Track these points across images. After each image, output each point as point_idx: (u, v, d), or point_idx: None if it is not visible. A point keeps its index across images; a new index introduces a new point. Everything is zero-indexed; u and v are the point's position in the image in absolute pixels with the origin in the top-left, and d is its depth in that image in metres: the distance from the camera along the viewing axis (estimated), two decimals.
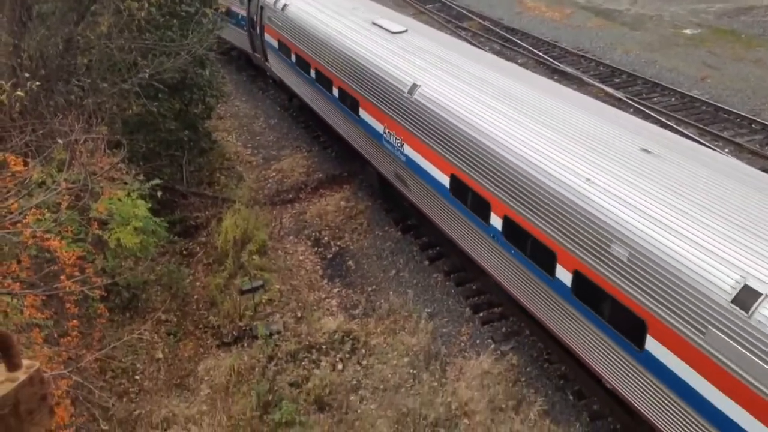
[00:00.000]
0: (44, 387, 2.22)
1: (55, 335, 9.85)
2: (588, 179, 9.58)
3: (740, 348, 7.32)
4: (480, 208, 11.74)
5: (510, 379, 11.81)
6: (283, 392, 11.92)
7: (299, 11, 19.52)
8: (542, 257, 10.23)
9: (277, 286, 14.76)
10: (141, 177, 13.11)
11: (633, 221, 8.73)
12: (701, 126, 19.90)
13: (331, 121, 18.32)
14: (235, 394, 12.02)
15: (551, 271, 10.08)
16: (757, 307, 7.11)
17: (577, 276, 9.56)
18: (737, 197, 8.66)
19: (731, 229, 7.99)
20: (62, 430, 8.68)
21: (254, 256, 15.38)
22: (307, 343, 13.07)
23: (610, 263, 8.95)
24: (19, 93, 10.58)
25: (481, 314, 13.43)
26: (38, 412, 2.19)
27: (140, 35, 14.79)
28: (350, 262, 15.56)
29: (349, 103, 16.61)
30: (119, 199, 12.15)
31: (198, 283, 15.15)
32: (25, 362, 2.20)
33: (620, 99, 21.76)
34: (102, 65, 14.58)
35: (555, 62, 25.34)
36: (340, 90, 16.95)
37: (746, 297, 7.27)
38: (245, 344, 13.29)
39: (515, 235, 10.89)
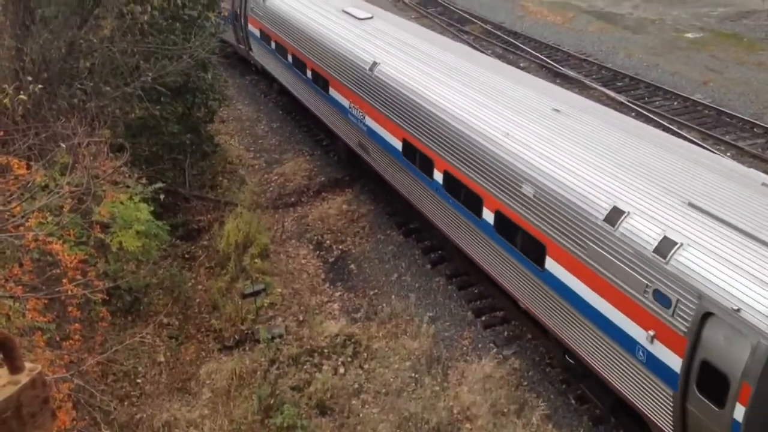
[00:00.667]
0: (46, 390, 2.22)
1: (57, 338, 9.86)
2: (507, 134, 11.57)
3: (608, 255, 9.25)
4: (425, 165, 13.54)
5: (512, 383, 11.79)
6: (284, 396, 11.90)
7: (279, 2, 21.22)
8: (472, 203, 12.18)
9: (279, 290, 14.75)
10: (143, 180, 13.11)
11: (538, 165, 10.67)
12: (703, 130, 19.89)
13: (306, 101, 19.96)
14: (237, 398, 12.00)
15: (479, 213, 12.01)
16: (621, 223, 9.13)
17: (498, 215, 11.52)
18: (622, 145, 10.70)
19: (611, 168, 9.99)
20: None
21: (256, 260, 15.38)
22: (308, 346, 13.06)
23: (520, 201, 10.86)
24: (22, 96, 10.62)
25: (482, 318, 13.42)
26: (40, 415, 2.19)
27: (143, 39, 14.82)
28: (352, 266, 15.56)
29: (320, 83, 18.25)
30: (122, 203, 12.16)
31: (200, 287, 15.15)
32: (28, 365, 2.20)
33: (622, 103, 21.76)
34: (105, 69, 14.60)
35: (557, 66, 25.35)
36: (313, 72, 18.63)
37: (614, 216, 9.27)
38: (247, 348, 13.27)
39: (452, 186, 12.78)
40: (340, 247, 16.26)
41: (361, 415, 11.60)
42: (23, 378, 2.16)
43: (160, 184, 13.62)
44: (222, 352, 13.31)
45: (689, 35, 28.71)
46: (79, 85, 14.06)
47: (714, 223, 8.43)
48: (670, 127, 19.60)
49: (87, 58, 14.72)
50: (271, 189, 19.10)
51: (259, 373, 12.50)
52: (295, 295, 14.70)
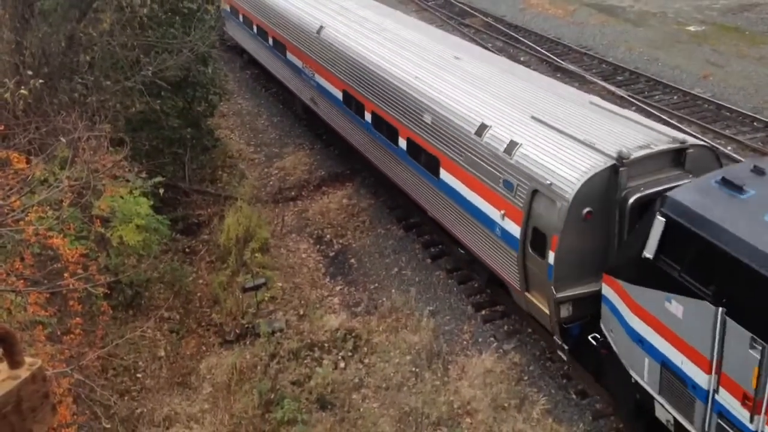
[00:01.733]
0: (46, 384, 2.22)
1: (58, 333, 9.86)
2: (416, 77, 14.40)
3: (477, 159, 12.11)
4: (359, 109, 16.34)
5: (512, 377, 11.80)
6: (285, 390, 11.92)
7: None
8: (391, 134, 14.98)
9: (280, 284, 14.76)
10: (143, 174, 13.11)
11: (435, 98, 13.53)
12: (703, 124, 19.84)
13: (271, 67, 22.77)
14: (237, 393, 12.02)
15: (396, 142, 14.79)
16: (485, 134, 12.05)
17: (409, 141, 14.30)
18: (497, 81, 13.73)
19: (484, 97, 12.97)
20: (64, 428, 8.70)
21: (257, 254, 15.38)
22: (309, 341, 13.07)
23: (423, 128, 13.72)
24: (23, 91, 10.60)
25: (483, 312, 13.42)
26: (40, 409, 2.19)
27: (142, 32, 14.79)
28: (352, 260, 15.56)
29: (279, 48, 21.16)
30: (122, 197, 12.16)
31: (200, 281, 15.16)
32: (28, 360, 2.20)
33: (622, 97, 21.72)
34: (105, 63, 14.58)
35: (558, 60, 25.30)
36: (274, 39, 21.65)
37: (481, 129, 12.19)
38: (247, 342, 13.29)
39: (378, 124, 15.55)
40: (341, 241, 16.26)
41: (361, 410, 11.62)
42: (23, 373, 2.16)
43: (160, 179, 13.62)
44: (222, 346, 13.32)
45: (691, 28, 28.63)
46: (79, 79, 14.03)
47: (545, 128, 11.40)
48: (670, 120, 19.57)
49: (87, 51, 14.69)
50: (271, 183, 19.09)
51: (259, 367, 12.52)
52: (295, 289, 14.71)
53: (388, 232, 16.22)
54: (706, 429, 8.32)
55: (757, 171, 8.51)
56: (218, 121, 21.69)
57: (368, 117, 15.80)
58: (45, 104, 12.72)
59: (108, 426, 10.27)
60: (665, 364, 8.78)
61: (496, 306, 13.55)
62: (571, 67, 24.50)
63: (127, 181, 12.32)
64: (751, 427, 7.55)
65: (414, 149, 14.08)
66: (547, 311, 10.82)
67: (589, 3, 32.92)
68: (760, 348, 7.29)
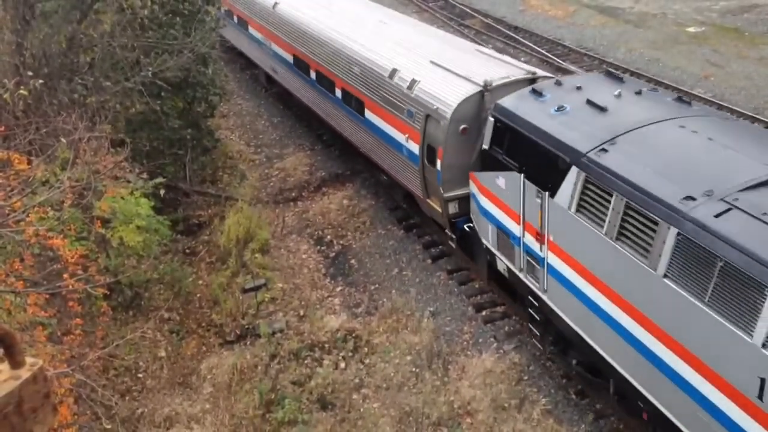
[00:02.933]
0: (47, 385, 2.22)
1: (58, 333, 9.87)
2: (349, 38, 17.06)
3: (389, 97, 14.70)
4: (306, 70, 19.04)
5: (513, 377, 11.80)
6: (285, 391, 11.93)
7: None
8: (330, 87, 17.60)
9: (280, 285, 14.77)
10: (144, 175, 13.11)
11: (362, 53, 16.19)
12: None
13: (234, 42, 25.50)
14: (238, 393, 12.02)
15: (333, 92, 17.48)
16: (393, 76, 14.69)
17: (343, 91, 16.92)
18: (410, 38, 16.74)
19: (398, 50, 15.75)
20: (65, 428, 8.70)
21: (257, 255, 15.39)
22: (309, 341, 13.08)
23: (353, 78, 16.30)
24: (23, 91, 10.61)
25: (483, 313, 13.43)
26: (41, 409, 2.19)
27: (143, 33, 14.80)
28: (353, 261, 15.57)
29: (244, 25, 23.80)
30: (122, 198, 12.17)
31: (201, 282, 15.16)
32: (29, 360, 2.20)
33: None
34: (105, 63, 14.59)
35: (558, 60, 25.30)
36: (239, 18, 24.20)
37: (392, 73, 14.80)
38: (248, 343, 13.29)
39: (321, 80, 18.16)
40: (341, 242, 16.27)
41: (362, 410, 11.62)
42: (24, 373, 2.16)
43: (160, 179, 13.62)
44: (223, 346, 13.33)
45: (691, 29, 28.63)
46: (79, 80, 14.04)
47: (438, 69, 14.15)
48: None
49: (87, 52, 14.71)
50: (271, 184, 19.10)
51: (260, 367, 12.52)
52: (295, 290, 14.71)
53: (389, 233, 16.22)
54: (522, 266, 11.44)
55: (557, 83, 11.71)
56: (218, 121, 21.69)
57: (313, 75, 18.66)
58: (45, 105, 12.73)
59: (109, 426, 10.28)
60: (499, 227, 11.94)
61: (496, 307, 13.56)
62: (572, 68, 24.51)
63: (128, 182, 12.33)
64: (540, 254, 10.80)
65: (346, 96, 16.93)
66: (440, 210, 13.74)
67: (589, 4, 32.93)
68: (541, 197, 10.36)
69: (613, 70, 14.07)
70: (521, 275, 11.54)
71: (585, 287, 9.75)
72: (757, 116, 20.24)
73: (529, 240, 10.97)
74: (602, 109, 10.23)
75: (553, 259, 10.43)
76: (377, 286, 14.64)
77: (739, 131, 10.08)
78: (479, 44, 24.95)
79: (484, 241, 12.57)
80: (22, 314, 8.80)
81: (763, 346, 7.01)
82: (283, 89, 22.29)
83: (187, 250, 16.22)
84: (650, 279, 8.38)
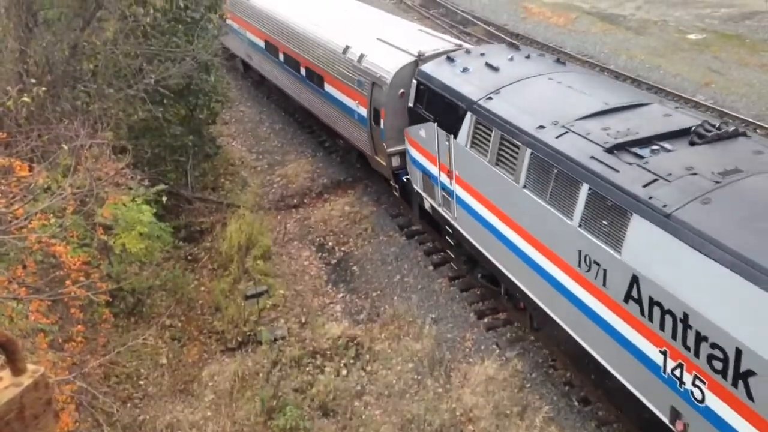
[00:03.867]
0: (49, 392, 2.22)
1: (60, 340, 9.86)
2: (315, 23, 19.14)
3: (343, 70, 16.90)
4: (275, 52, 21.22)
5: (515, 385, 11.77)
6: (287, 398, 11.90)
7: None
8: (296, 66, 19.79)
9: (282, 292, 14.76)
10: (146, 182, 13.13)
11: (325, 35, 18.25)
12: None
13: None
14: (240, 400, 12.00)
15: (299, 71, 19.68)
16: (346, 52, 16.81)
17: (307, 69, 19.08)
18: (364, 19, 19.38)
19: (353, 29, 18.05)
20: None
21: (258, 262, 15.39)
22: (311, 348, 13.06)
23: (313, 56, 18.54)
24: (26, 99, 10.64)
25: (485, 320, 13.40)
26: (43, 416, 2.19)
27: (145, 41, 14.85)
28: (354, 268, 15.56)
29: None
30: (124, 205, 12.18)
31: (202, 288, 15.16)
32: (30, 367, 2.20)
33: None
34: (108, 71, 14.63)
35: None
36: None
37: (346, 49, 16.73)
38: (249, 350, 13.28)
39: (288, 61, 20.31)
40: (343, 248, 16.27)
41: (363, 417, 11.60)
42: (26, 380, 2.16)
43: (162, 186, 13.64)
44: (224, 353, 13.31)
45: (691, 36, 28.67)
46: (82, 87, 14.09)
47: (383, 44, 16.41)
48: None
49: (90, 60, 14.75)
50: (273, 191, 19.11)
51: (261, 374, 12.51)
52: (297, 296, 14.71)
53: (390, 240, 16.22)
54: (440, 201, 13.86)
55: (467, 52, 14.20)
56: (220, 128, 21.73)
57: (281, 57, 20.82)
58: (48, 112, 12.76)
59: None
60: (424, 171, 14.34)
61: (498, 314, 13.54)
62: None
63: (130, 188, 12.34)
64: (451, 188, 13.14)
65: (310, 74, 19.02)
66: (385, 164, 16.11)
67: (591, 12, 33.00)
68: (449, 140, 12.69)
69: (513, 41, 16.97)
70: (440, 209, 14.05)
71: (480, 209, 12.23)
72: (759, 123, 20.24)
73: (444, 178, 13.46)
74: (495, 69, 12.79)
75: (459, 190, 12.91)
76: (379, 292, 14.63)
77: (594, 82, 12.75)
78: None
79: (415, 187, 15.10)
80: (24, 321, 8.80)
81: (579, 225, 9.41)
82: (258, 75, 24.69)
83: (189, 257, 16.23)
84: (516, 191, 10.78)
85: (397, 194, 16.69)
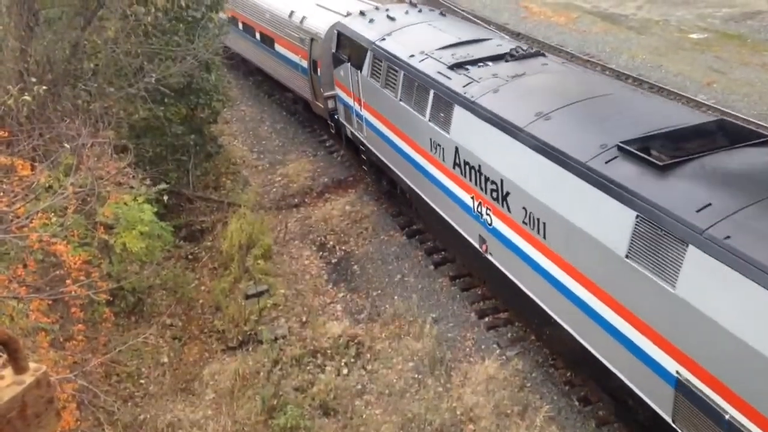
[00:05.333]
0: (51, 390, 2.23)
1: (61, 339, 9.87)
2: (292, 12, 20.70)
3: (288, 30, 20.26)
4: (252, 33, 23.68)
5: (515, 384, 11.77)
6: (287, 397, 11.91)
7: None
8: (252, 33, 23.40)
9: (282, 291, 14.76)
10: (147, 181, 13.13)
11: (270, 3, 21.87)
12: None
13: None
14: (240, 399, 12.01)
15: (255, 37, 23.21)
16: (292, 16, 20.05)
17: (261, 34, 22.62)
18: None
19: (307, 5, 20.34)
20: None
21: (259, 261, 15.39)
22: (312, 347, 13.06)
23: (265, 22, 22.00)
24: (26, 98, 10.63)
25: (486, 319, 13.41)
26: (45, 415, 2.20)
27: (147, 40, 14.84)
28: (355, 267, 15.56)
29: None
30: (125, 204, 12.18)
31: (203, 288, 15.17)
32: (32, 365, 2.21)
33: None
34: (109, 70, 14.63)
35: None
36: None
37: (290, 14, 20.15)
38: (250, 349, 13.28)
39: (246, 29, 23.84)
40: (343, 248, 16.27)
41: (364, 416, 11.60)
42: (28, 378, 2.17)
43: (163, 185, 13.62)
44: (225, 352, 13.32)
45: (693, 36, 28.65)
46: (83, 86, 14.08)
47: (321, 8, 19.80)
48: None
49: (91, 59, 14.75)
50: (274, 190, 19.12)
51: (262, 373, 12.51)
52: (298, 296, 14.71)
53: (391, 239, 16.22)
54: (355, 126, 17.21)
55: (377, 8, 17.64)
56: (221, 127, 21.73)
57: (258, 36, 23.36)
58: (49, 111, 12.76)
59: None
60: (345, 104, 17.58)
61: (499, 313, 13.54)
62: None
63: (131, 187, 12.35)
64: (361, 113, 16.54)
65: (263, 37, 22.52)
66: (323, 107, 19.09)
67: (592, 11, 32.99)
68: (358, 74, 16.00)
69: (415, 2, 19.04)
70: (356, 133, 17.41)
71: (379, 125, 15.70)
72: (760, 122, 20.22)
73: (356, 106, 16.77)
74: (392, 19, 16.33)
75: (366, 114, 16.31)
76: (379, 292, 14.63)
77: (457, 25, 16.67)
78: None
79: (341, 119, 18.39)
80: (24, 320, 8.80)
81: (429, 120, 13.13)
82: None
83: (190, 256, 16.23)
84: (395, 104, 14.46)
85: (332, 130, 19.72)
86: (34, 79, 11.93)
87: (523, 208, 10.49)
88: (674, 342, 8.13)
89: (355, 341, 13.13)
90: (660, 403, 8.62)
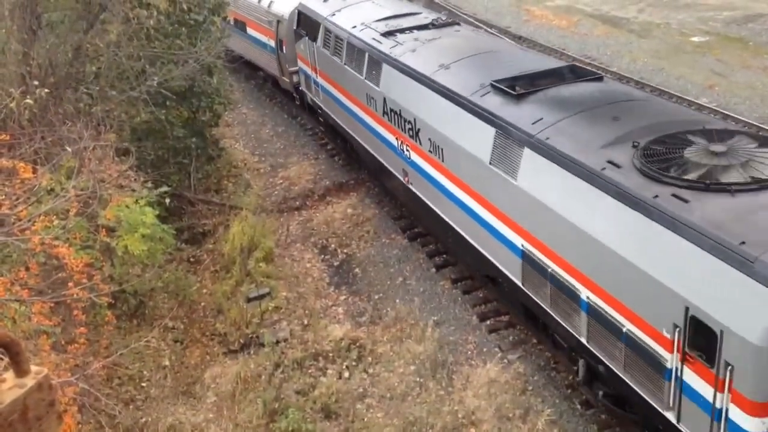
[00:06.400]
0: (52, 393, 2.22)
1: (63, 342, 9.87)
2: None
3: (259, 15, 22.96)
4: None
5: (517, 387, 11.75)
6: (289, 400, 11.90)
7: None
8: (242, 27, 24.57)
9: (284, 294, 14.76)
10: (149, 184, 13.14)
11: None
12: None
13: None
14: (242, 402, 12.00)
15: (245, 30, 24.37)
16: (261, 2, 22.80)
17: (235, 20, 24.58)
18: None
19: None
20: None
21: (261, 264, 15.39)
22: (313, 350, 13.05)
23: (242, 11, 23.99)
24: (29, 101, 10.65)
25: (487, 322, 13.39)
26: (46, 418, 2.20)
27: (149, 43, 14.87)
28: (357, 270, 15.56)
29: None
30: (127, 207, 12.18)
31: (205, 291, 15.16)
32: (34, 368, 2.20)
33: None
34: (111, 73, 14.66)
35: None
36: None
37: (267, 3, 22.36)
38: (252, 352, 13.27)
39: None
40: (345, 250, 16.26)
41: (365, 420, 11.59)
42: (29, 381, 2.16)
43: (165, 188, 13.63)
44: (227, 355, 13.31)
45: (695, 39, 28.65)
46: (85, 90, 14.10)
47: None
48: None
49: (93, 62, 14.78)
50: (276, 193, 19.12)
51: (263, 377, 12.50)
52: (299, 298, 14.70)
53: (393, 242, 16.22)
54: (313, 90, 20.02)
55: None
56: (223, 130, 21.76)
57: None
58: (51, 114, 12.77)
59: None
60: (305, 75, 20.46)
61: (501, 316, 13.52)
62: None
63: (133, 190, 12.35)
64: (317, 79, 19.43)
65: (236, 23, 24.62)
66: (288, 80, 21.91)
67: (593, 14, 33.01)
68: (314, 46, 18.78)
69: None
70: (314, 98, 20.18)
71: (330, 89, 18.63)
72: (762, 125, 20.21)
73: (313, 74, 19.63)
74: None
75: (320, 80, 19.25)
76: (381, 295, 14.62)
77: (399, 3, 19.43)
78: None
79: (303, 89, 21.11)
80: (26, 323, 8.81)
81: (365, 78, 15.84)
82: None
83: (192, 259, 16.24)
84: (342, 68, 17.20)
85: (297, 102, 22.68)
86: (36, 82, 11.95)
87: (429, 139, 13.34)
88: (519, 222, 10.90)
89: (357, 344, 13.12)
90: (514, 272, 11.37)
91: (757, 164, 8.72)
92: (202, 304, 14.74)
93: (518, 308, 12.39)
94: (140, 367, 12.65)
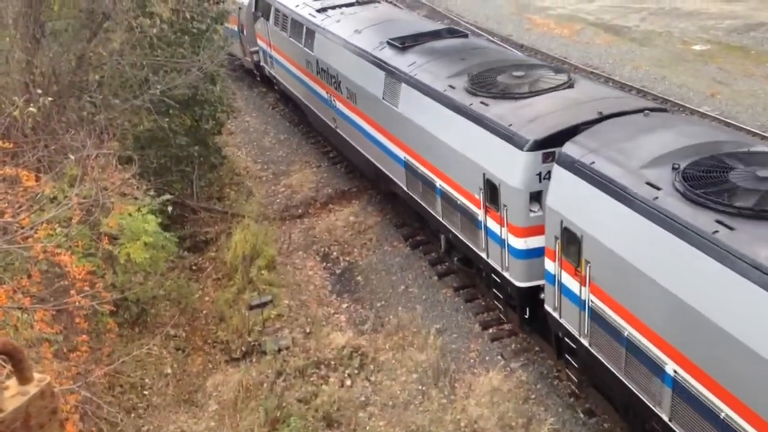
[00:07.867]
0: (55, 401, 2.23)
1: (65, 350, 9.86)
2: None
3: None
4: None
5: (520, 396, 11.72)
6: (291, 408, 11.87)
7: None
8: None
9: (286, 302, 14.75)
10: (152, 192, 13.16)
11: None
12: None
13: None
14: (243, 410, 11.97)
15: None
16: None
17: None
18: None
19: None
20: None
21: (263, 271, 15.39)
22: (315, 358, 13.03)
23: None
24: (32, 109, 10.69)
25: (490, 331, 13.36)
26: (48, 426, 2.20)
27: (152, 52, 14.92)
28: (359, 278, 15.55)
29: None
30: (130, 214, 12.20)
31: (207, 298, 15.16)
32: (37, 376, 2.21)
33: None
34: (114, 81, 14.71)
35: None
36: None
37: None
38: (253, 360, 13.26)
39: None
40: (347, 258, 16.26)
41: (367, 428, 11.55)
42: (32, 389, 2.17)
43: (168, 196, 13.66)
44: (229, 363, 13.29)
45: (696, 47, 28.69)
46: (88, 98, 14.16)
47: None
48: None
49: (96, 70, 14.83)
50: (278, 201, 19.14)
51: (265, 385, 12.48)
52: (301, 306, 14.69)
53: (395, 250, 16.21)
54: (270, 65, 23.42)
55: None
56: (226, 138, 21.80)
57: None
58: (54, 122, 12.82)
59: None
60: (263, 51, 24.13)
61: (503, 324, 13.49)
62: None
63: (136, 198, 12.38)
64: (272, 54, 23.18)
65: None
66: (250, 60, 25.24)
67: (595, 23, 33.07)
68: (267, 24, 22.76)
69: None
70: (270, 70, 23.76)
71: (281, 59, 22.05)
72: (764, 134, 20.21)
73: (268, 49, 22.92)
74: None
75: (273, 52, 22.62)
76: (383, 302, 14.60)
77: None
78: None
79: (263, 64, 24.47)
80: (28, 330, 8.80)
81: (304, 46, 19.66)
82: None
83: (194, 267, 16.24)
84: (287, 40, 20.87)
85: (258, 79, 26.29)
86: (39, 91, 12.00)
87: (347, 88, 17.07)
88: (402, 141, 14.74)
89: (359, 352, 13.10)
90: (400, 179, 15.25)
91: None
92: (204, 311, 14.73)
93: (411, 213, 16.24)
94: (142, 375, 12.64)
